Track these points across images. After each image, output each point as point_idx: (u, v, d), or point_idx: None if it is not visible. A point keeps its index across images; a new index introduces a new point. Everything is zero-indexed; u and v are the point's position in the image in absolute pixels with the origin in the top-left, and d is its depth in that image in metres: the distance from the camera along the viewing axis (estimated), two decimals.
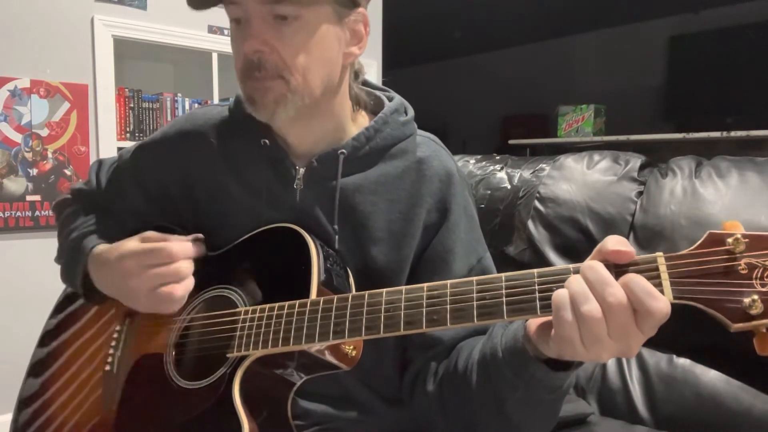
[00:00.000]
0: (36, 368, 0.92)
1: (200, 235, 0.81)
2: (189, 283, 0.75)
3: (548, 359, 0.61)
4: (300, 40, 0.71)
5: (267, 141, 0.80)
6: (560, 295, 0.54)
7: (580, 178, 1.36)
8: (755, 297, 0.48)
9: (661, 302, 0.50)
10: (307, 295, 0.70)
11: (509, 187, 1.48)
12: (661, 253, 0.53)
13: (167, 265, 0.73)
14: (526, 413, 0.68)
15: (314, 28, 0.72)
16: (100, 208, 0.96)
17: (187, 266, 0.75)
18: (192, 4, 0.73)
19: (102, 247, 0.83)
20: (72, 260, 0.87)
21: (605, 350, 0.53)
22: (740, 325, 0.49)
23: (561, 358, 0.58)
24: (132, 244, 0.77)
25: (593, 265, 0.53)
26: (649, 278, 0.52)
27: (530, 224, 1.38)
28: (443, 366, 0.78)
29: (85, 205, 0.97)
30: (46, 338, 0.94)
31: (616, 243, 0.54)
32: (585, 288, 0.52)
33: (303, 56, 0.72)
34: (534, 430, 0.71)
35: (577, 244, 1.30)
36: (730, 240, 0.50)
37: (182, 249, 0.75)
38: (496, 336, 0.69)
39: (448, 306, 0.60)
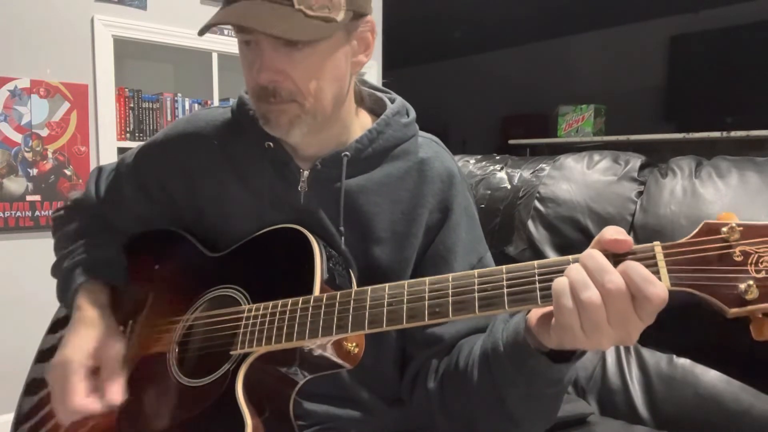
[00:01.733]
0: (39, 370, 0.92)
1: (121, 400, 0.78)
2: (74, 416, 0.76)
3: (549, 352, 0.62)
4: (312, 65, 0.72)
5: (271, 144, 0.80)
6: (560, 282, 0.54)
7: (580, 178, 1.36)
8: (750, 283, 0.49)
9: (658, 288, 0.51)
10: (310, 293, 0.70)
11: (509, 187, 1.48)
12: (658, 242, 0.54)
13: (65, 404, 0.75)
14: (527, 408, 0.68)
15: (326, 51, 0.72)
16: (99, 220, 0.96)
17: (70, 421, 0.77)
18: (202, 33, 0.72)
19: (82, 300, 0.85)
20: (63, 289, 0.89)
21: (605, 337, 0.53)
22: (736, 310, 0.50)
23: (561, 347, 0.59)
24: (69, 349, 0.79)
25: (592, 253, 0.54)
26: (646, 266, 0.53)
27: (530, 224, 1.38)
28: (444, 363, 0.79)
29: (81, 222, 0.97)
30: (47, 344, 0.95)
31: (614, 233, 0.55)
32: (584, 275, 0.53)
33: (315, 80, 0.73)
34: (534, 425, 0.72)
35: (577, 244, 1.30)
36: (725, 229, 0.51)
37: (86, 405, 0.75)
38: (497, 331, 0.70)
39: (450, 298, 0.61)
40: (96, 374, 0.78)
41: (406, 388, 0.84)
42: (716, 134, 3.33)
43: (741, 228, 0.51)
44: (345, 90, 0.78)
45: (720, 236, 0.51)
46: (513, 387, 0.67)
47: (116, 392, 0.76)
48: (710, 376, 1.11)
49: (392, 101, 0.88)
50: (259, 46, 0.72)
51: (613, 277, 0.52)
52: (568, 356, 0.62)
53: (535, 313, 0.62)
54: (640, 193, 1.27)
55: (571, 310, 0.53)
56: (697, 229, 0.53)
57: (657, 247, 0.53)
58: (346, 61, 0.76)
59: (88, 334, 0.81)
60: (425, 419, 0.81)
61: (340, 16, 0.70)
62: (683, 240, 0.53)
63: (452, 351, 0.79)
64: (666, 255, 0.53)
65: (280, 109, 0.73)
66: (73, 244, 0.93)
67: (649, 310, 0.52)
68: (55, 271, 0.94)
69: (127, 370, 0.79)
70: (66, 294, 0.88)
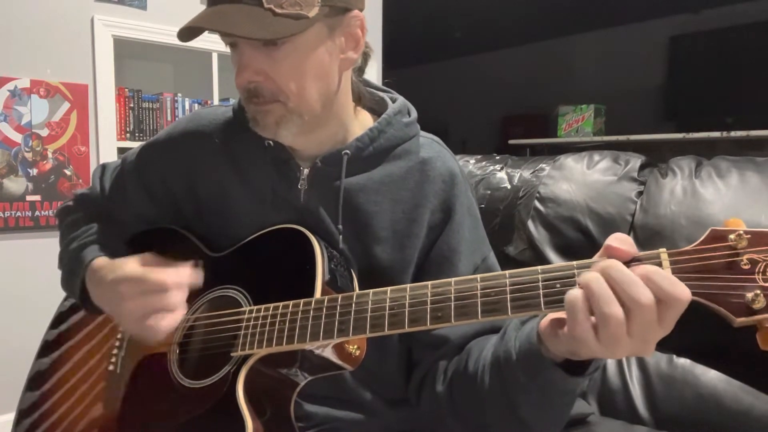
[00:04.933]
0: (41, 367, 0.92)
1: (200, 261, 0.78)
2: (177, 315, 0.73)
3: (563, 363, 0.61)
4: (292, 64, 0.72)
5: (271, 142, 0.80)
6: (574, 296, 0.53)
7: (580, 178, 1.36)
8: (758, 292, 0.48)
9: (680, 287, 0.50)
10: (311, 295, 0.70)
11: (509, 187, 1.48)
12: (664, 249, 0.53)
13: (160, 295, 0.72)
14: (539, 415, 0.68)
15: (306, 49, 0.72)
16: (104, 214, 0.96)
17: (178, 298, 0.72)
18: (181, 37, 0.72)
19: (100, 262, 0.83)
20: (71, 271, 0.87)
21: (622, 348, 0.52)
22: (743, 319, 0.49)
23: (573, 356, 0.58)
24: (129, 267, 0.76)
25: (615, 264, 0.52)
26: None
27: (530, 224, 1.38)
28: (453, 366, 0.78)
29: (87, 212, 0.97)
30: (50, 339, 0.94)
31: (612, 240, 0.54)
32: (607, 288, 0.51)
33: (297, 79, 0.72)
34: (546, 429, 0.71)
35: (577, 244, 1.30)
36: (732, 236, 0.50)
37: (177, 279, 0.72)
38: (509, 339, 0.69)
39: (453, 303, 0.60)
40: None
41: (414, 391, 0.83)
42: (716, 134, 3.33)
43: (749, 235, 0.50)
44: (333, 87, 0.77)
45: (727, 244, 0.50)
46: (526, 395, 0.66)
47: (198, 275, 0.74)
48: (710, 376, 1.11)
49: (393, 101, 0.87)
50: (240, 48, 0.72)
51: (644, 289, 0.50)
52: (582, 367, 0.61)
53: (546, 320, 0.61)
54: (640, 193, 1.27)
55: (588, 325, 0.52)
56: (703, 236, 0.52)
57: (663, 254, 0.53)
58: (331, 58, 0.75)
59: (124, 262, 0.77)
60: (433, 421, 0.80)
61: (313, 12, 0.69)
62: (689, 247, 0.52)
63: (461, 353, 0.78)
64: (672, 262, 0.52)
65: (265, 109, 0.74)
66: (81, 228, 0.92)
67: (674, 313, 0.50)
68: (62, 257, 0.92)
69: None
70: (75, 273, 0.85)
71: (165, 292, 0.71)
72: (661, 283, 0.50)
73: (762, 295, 0.48)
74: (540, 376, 0.63)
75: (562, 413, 0.70)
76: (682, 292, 0.50)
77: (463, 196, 0.84)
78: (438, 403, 0.78)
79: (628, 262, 0.54)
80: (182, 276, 0.73)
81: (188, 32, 0.70)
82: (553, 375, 0.61)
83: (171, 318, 0.71)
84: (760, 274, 0.49)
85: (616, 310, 0.51)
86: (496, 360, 0.70)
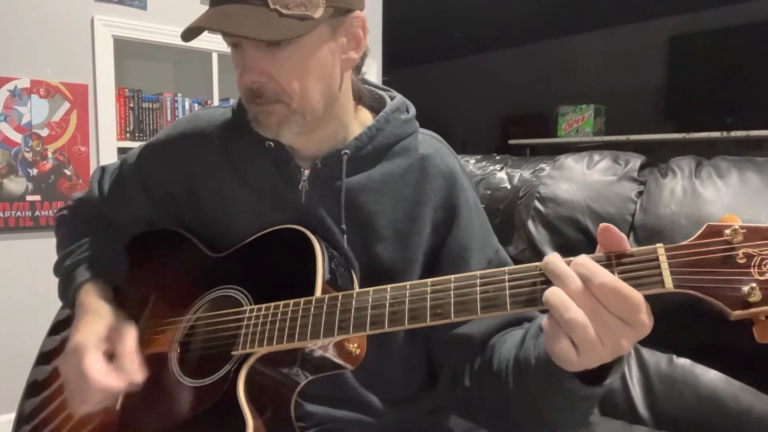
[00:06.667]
0: (39, 374, 0.92)
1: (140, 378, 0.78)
2: (91, 409, 0.76)
3: (580, 373, 0.61)
4: (295, 64, 0.72)
5: (272, 143, 0.80)
6: (546, 322, 0.56)
7: (580, 178, 1.36)
8: (754, 285, 0.49)
9: (604, 275, 0.52)
10: (312, 294, 0.70)
11: (509, 187, 1.48)
12: (661, 244, 0.54)
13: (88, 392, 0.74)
14: (564, 416, 0.69)
15: (310, 49, 0.72)
16: (102, 219, 0.96)
17: (94, 405, 0.76)
18: (183, 37, 0.72)
19: (84, 297, 0.85)
20: (65, 287, 0.90)
21: (598, 355, 0.54)
22: (739, 312, 0.50)
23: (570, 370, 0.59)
24: (91, 336, 0.78)
25: (551, 259, 0.55)
26: (649, 268, 0.53)
27: (530, 224, 1.38)
28: (478, 362, 0.79)
29: (84, 221, 0.97)
30: (48, 347, 0.95)
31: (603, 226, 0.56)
32: (564, 296, 0.54)
33: (300, 80, 0.72)
34: (571, 427, 0.72)
35: (577, 244, 1.30)
36: (728, 231, 0.51)
37: (108, 386, 0.74)
38: (528, 348, 0.69)
39: (452, 299, 0.61)
40: (111, 358, 0.77)
41: (446, 390, 0.84)
42: (716, 134, 3.34)
43: (744, 230, 0.50)
44: (336, 87, 0.77)
45: (723, 238, 0.51)
46: (548, 401, 0.66)
47: (136, 370, 0.76)
48: (710, 376, 1.11)
49: (392, 99, 0.87)
50: (243, 49, 0.72)
51: (572, 278, 0.53)
52: (600, 378, 0.61)
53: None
54: (640, 193, 1.27)
55: (566, 341, 0.54)
56: (699, 231, 0.53)
57: (660, 249, 0.53)
58: (334, 59, 0.75)
59: (97, 321, 0.81)
60: (468, 415, 0.82)
61: (318, 13, 0.69)
62: (686, 242, 0.53)
63: (485, 349, 0.79)
64: (669, 257, 0.53)
65: (268, 110, 0.74)
66: (75, 243, 0.93)
67: (618, 306, 0.52)
68: (57, 269, 0.94)
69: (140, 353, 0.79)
70: (67, 292, 0.88)
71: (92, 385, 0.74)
72: (582, 272, 0.53)
73: (758, 288, 0.49)
74: (560, 385, 0.63)
75: (585, 413, 0.70)
76: (604, 278, 0.52)
77: (465, 192, 0.84)
78: (469, 397, 0.79)
79: (624, 257, 0.54)
80: (114, 384, 0.74)
81: (190, 31, 0.70)
82: (571, 384, 0.61)
83: (89, 397, 0.75)
84: (756, 267, 0.50)
85: (576, 313, 0.52)
86: (517, 365, 0.71)
